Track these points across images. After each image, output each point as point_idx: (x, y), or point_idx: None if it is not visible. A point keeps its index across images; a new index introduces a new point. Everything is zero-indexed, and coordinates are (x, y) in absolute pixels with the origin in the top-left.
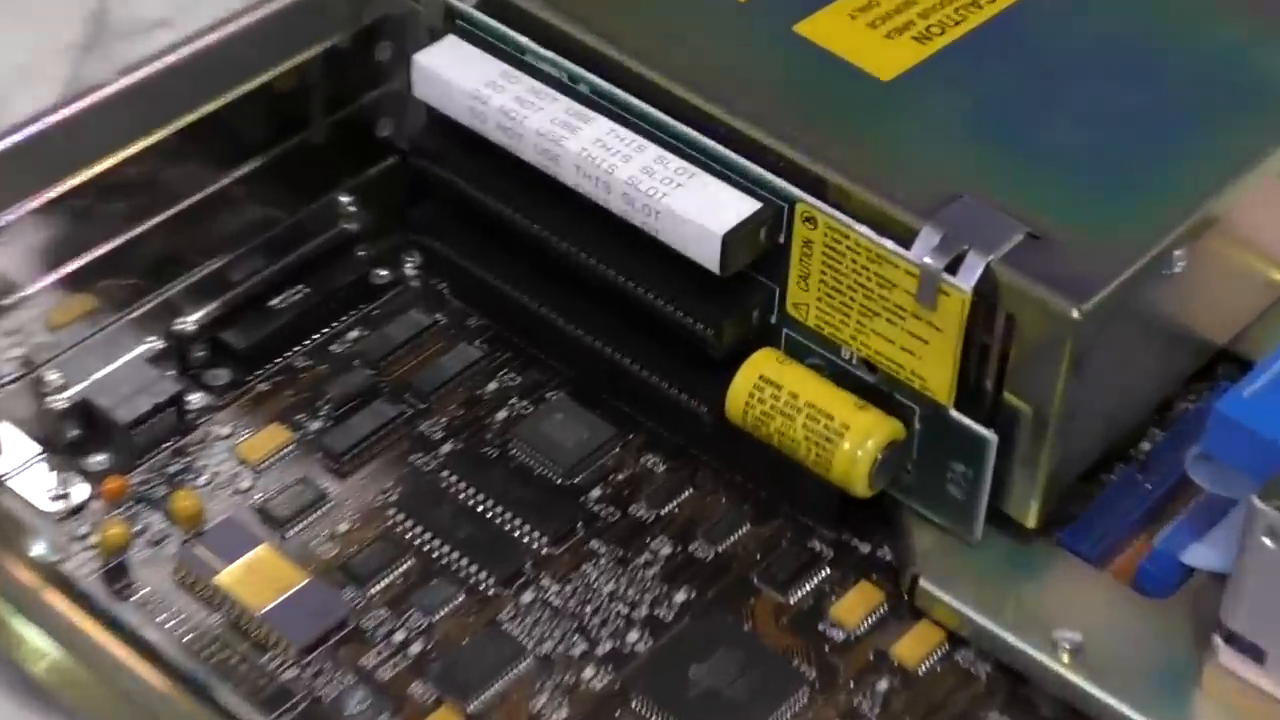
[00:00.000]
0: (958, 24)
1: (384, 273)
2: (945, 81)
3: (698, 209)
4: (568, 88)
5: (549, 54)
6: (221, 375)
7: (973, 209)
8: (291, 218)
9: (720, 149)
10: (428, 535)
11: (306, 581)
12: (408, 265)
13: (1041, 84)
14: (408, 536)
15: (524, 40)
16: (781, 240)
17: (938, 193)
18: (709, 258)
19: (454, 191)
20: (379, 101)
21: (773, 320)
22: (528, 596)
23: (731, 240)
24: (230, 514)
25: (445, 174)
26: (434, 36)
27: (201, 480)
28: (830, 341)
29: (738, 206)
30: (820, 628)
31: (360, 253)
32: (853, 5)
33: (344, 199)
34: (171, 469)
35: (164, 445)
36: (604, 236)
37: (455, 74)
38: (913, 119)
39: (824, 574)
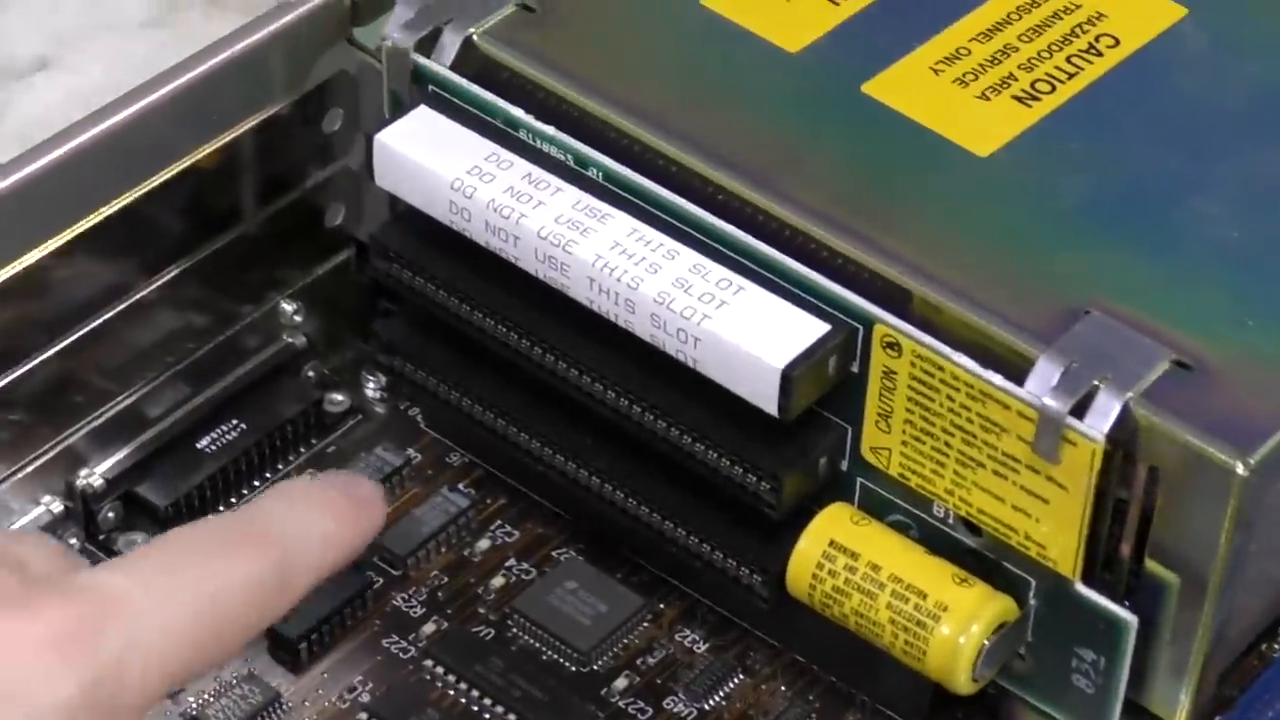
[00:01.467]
0: (1071, 77)
1: (340, 398)
2: (1059, 157)
3: (749, 335)
4: (576, 174)
5: (550, 130)
6: (139, 541)
7: (1103, 329)
8: (222, 333)
9: (775, 255)
10: None
11: None
12: (369, 386)
13: (1183, 157)
14: None
15: (517, 113)
16: (855, 369)
17: (1056, 307)
18: (765, 397)
19: (429, 303)
20: (328, 183)
21: (844, 468)
22: None
23: (794, 376)
24: None
25: (417, 283)
26: (398, 107)
27: None
28: (919, 496)
29: (800, 331)
30: None
31: (309, 373)
32: (934, 56)
33: (287, 306)
34: None
35: None
36: (625, 364)
37: (429, 158)
38: (1019, 207)
39: None
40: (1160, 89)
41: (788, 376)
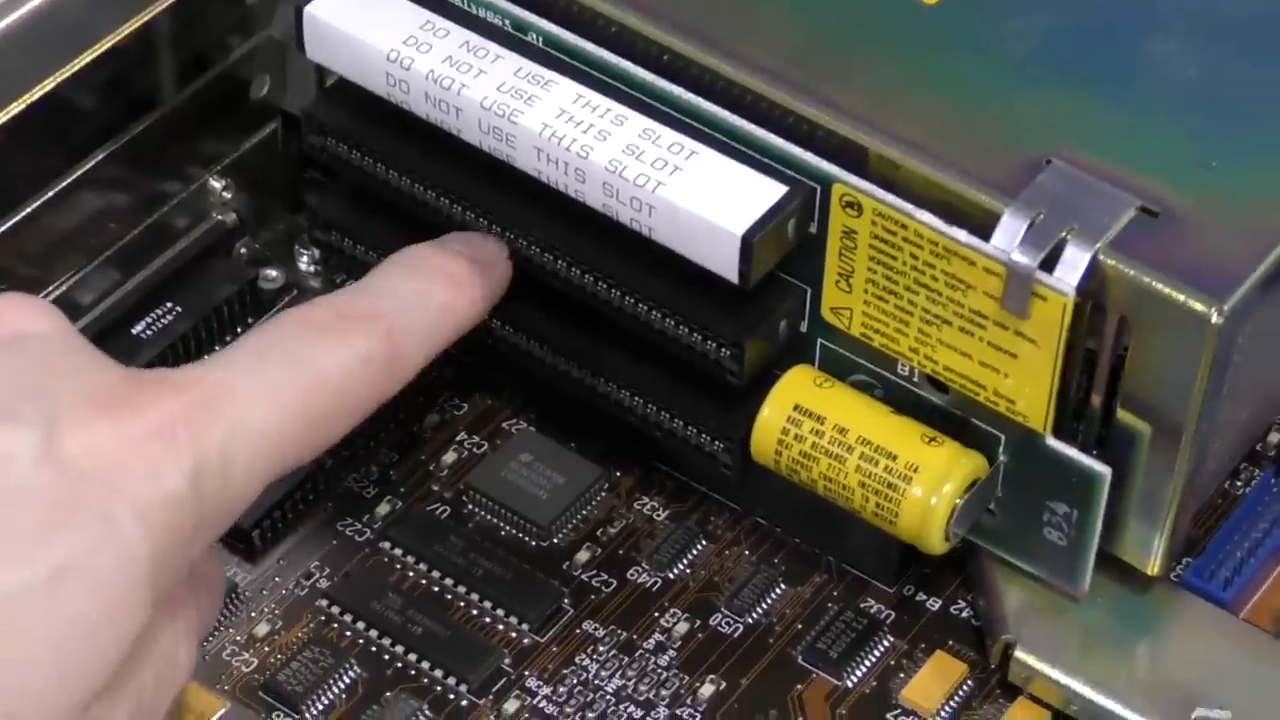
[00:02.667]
0: None
1: (274, 274)
2: (1012, 2)
3: (705, 200)
4: (516, 40)
5: None
6: None
7: (1066, 179)
8: (150, 216)
9: (726, 116)
10: (373, 633)
11: (223, 711)
12: (303, 260)
13: None
14: (347, 636)
15: None
16: (814, 230)
17: (1017, 158)
18: (725, 264)
19: (367, 178)
20: (251, 55)
21: (804, 329)
22: (511, 706)
23: (754, 241)
24: None
25: (354, 157)
26: None
27: None
28: (883, 355)
29: (757, 194)
30: (890, 717)
31: (241, 251)
32: None
33: (215, 183)
34: None
35: None
36: (576, 235)
37: (362, 29)
38: (971, 55)
39: (887, 644)
40: None
41: (748, 242)
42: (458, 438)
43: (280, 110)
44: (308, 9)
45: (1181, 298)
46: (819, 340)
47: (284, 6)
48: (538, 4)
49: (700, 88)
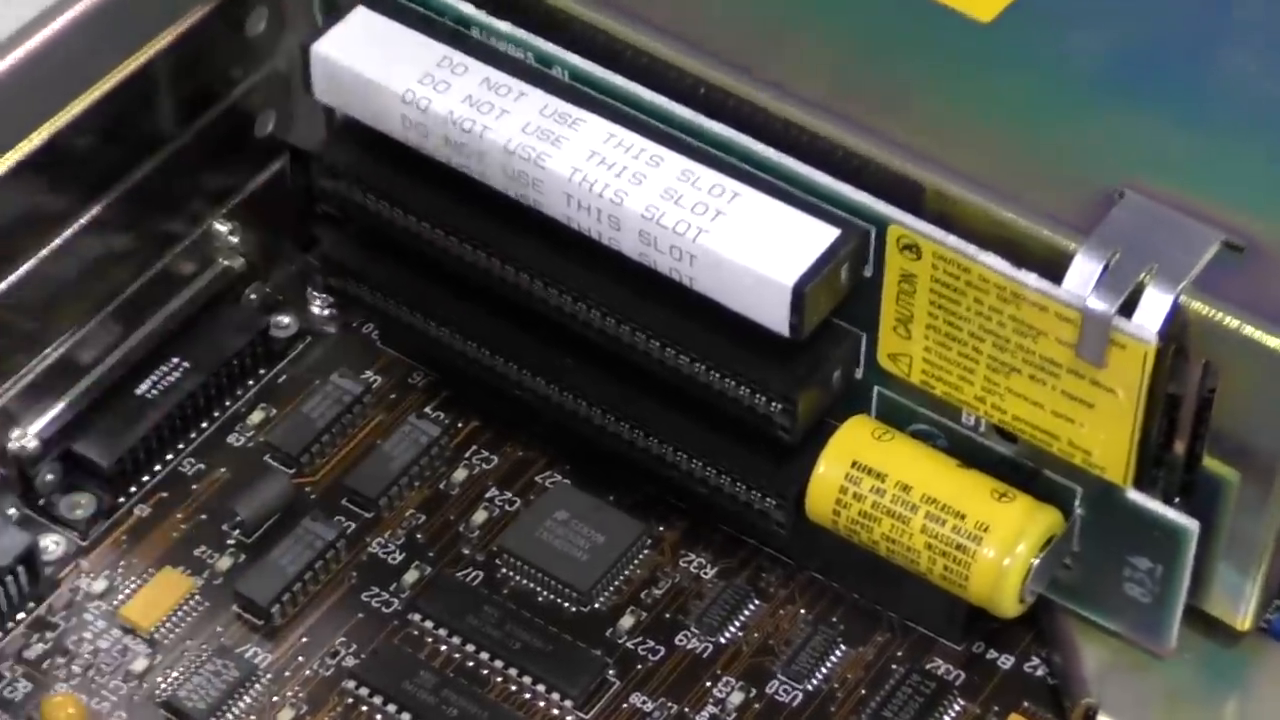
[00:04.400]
0: None
1: (286, 320)
2: (1068, 13)
3: (751, 248)
4: (540, 75)
5: (506, 26)
6: (83, 503)
7: (1142, 213)
8: (154, 264)
9: (770, 154)
10: (405, 716)
11: None
12: (316, 304)
13: (1207, 3)
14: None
15: (467, 8)
16: (868, 273)
17: (1087, 191)
18: (775, 317)
19: (386, 224)
20: (255, 90)
21: (859, 376)
22: None
23: (806, 292)
24: (123, 713)
25: (371, 201)
26: (332, 8)
27: (76, 666)
28: (946, 404)
29: (807, 239)
30: None
31: (251, 297)
32: None
33: (221, 227)
34: (31, 654)
35: (16, 617)
36: (612, 284)
37: (374, 68)
38: (1032, 77)
39: (958, 708)
40: None
41: (800, 293)
42: (488, 494)
43: (288, 145)
44: (315, 47)
45: (1273, 341)
46: (875, 388)
47: (289, 37)
48: (563, 36)
49: (741, 123)
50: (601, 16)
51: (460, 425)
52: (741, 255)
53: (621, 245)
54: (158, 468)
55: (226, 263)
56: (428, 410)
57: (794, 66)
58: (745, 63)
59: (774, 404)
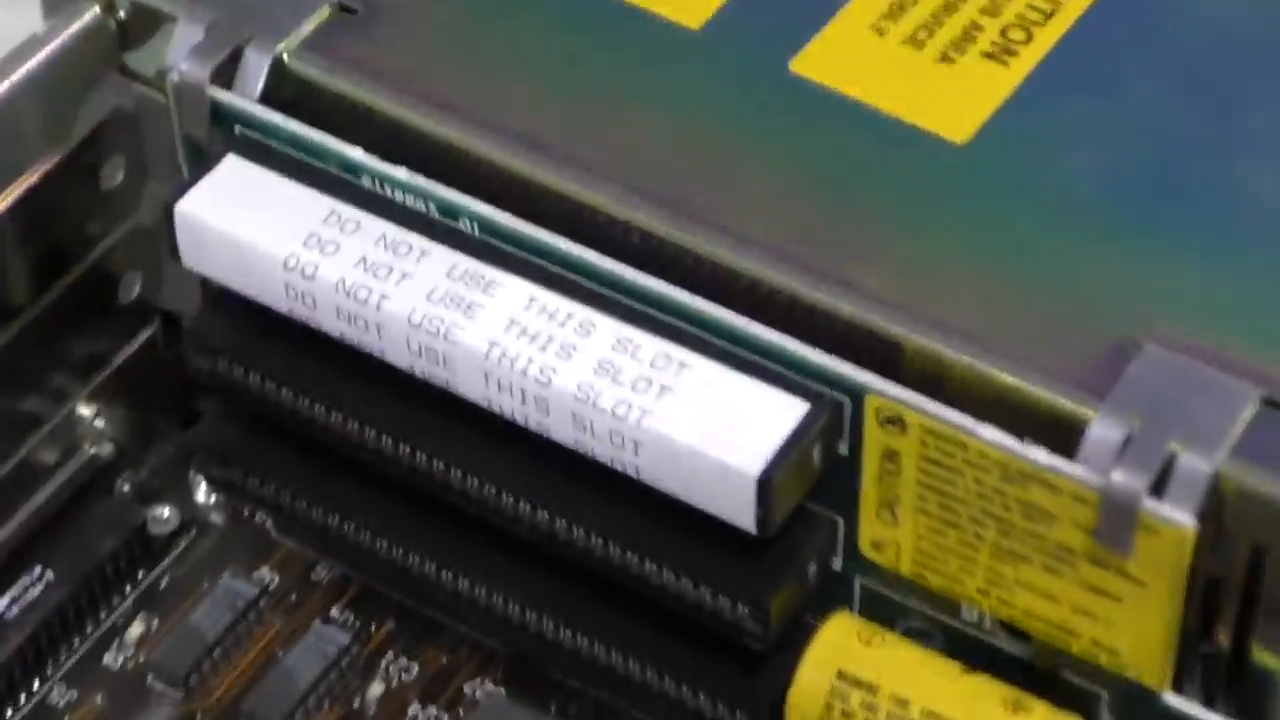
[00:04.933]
0: (1050, 16)
1: (166, 513)
2: (1057, 129)
3: (705, 431)
4: (445, 228)
5: (401, 173)
6: None
7: (1166, 368)
8: (7, 457)
9: (723, 315)
10: None
11: None
12: (200, 491)
13: (1210, 107)
14: None
15: (355, 154)
16: (844, 450)
17: (1098, 341)
18: (737, 511)
19: (271, 406)
20: (116, 250)
21: (837, 567)
22: None
23: (774, 482)
24: None
25: (254, 381)
26: (198, 157)
27: None
28: (943, 598)
29: (771, 416)
30: None
31: (124, 488)
32: (872, 12)
33: (85, 410)
34: None
35: None
36: (544, 473)
37: (249, 229)
38: (1022, 207)
39: None
40: (1167, 19)
41: (766, 484)
42: (410, 712)
43: (158, 310)
44: (179, 206)
45: None
46: (857, 579)
47: (152, 188)
48: (469, 179)
49: (683, 276)
50: (513, 158)
51: (374, 628)
52: (694, 440)
53: (552, 431)
54: (22, 699)
55: (94, 449)
56: (334, 613)
57: (740, 206)
58: (687, 205)
59: (741, 608)
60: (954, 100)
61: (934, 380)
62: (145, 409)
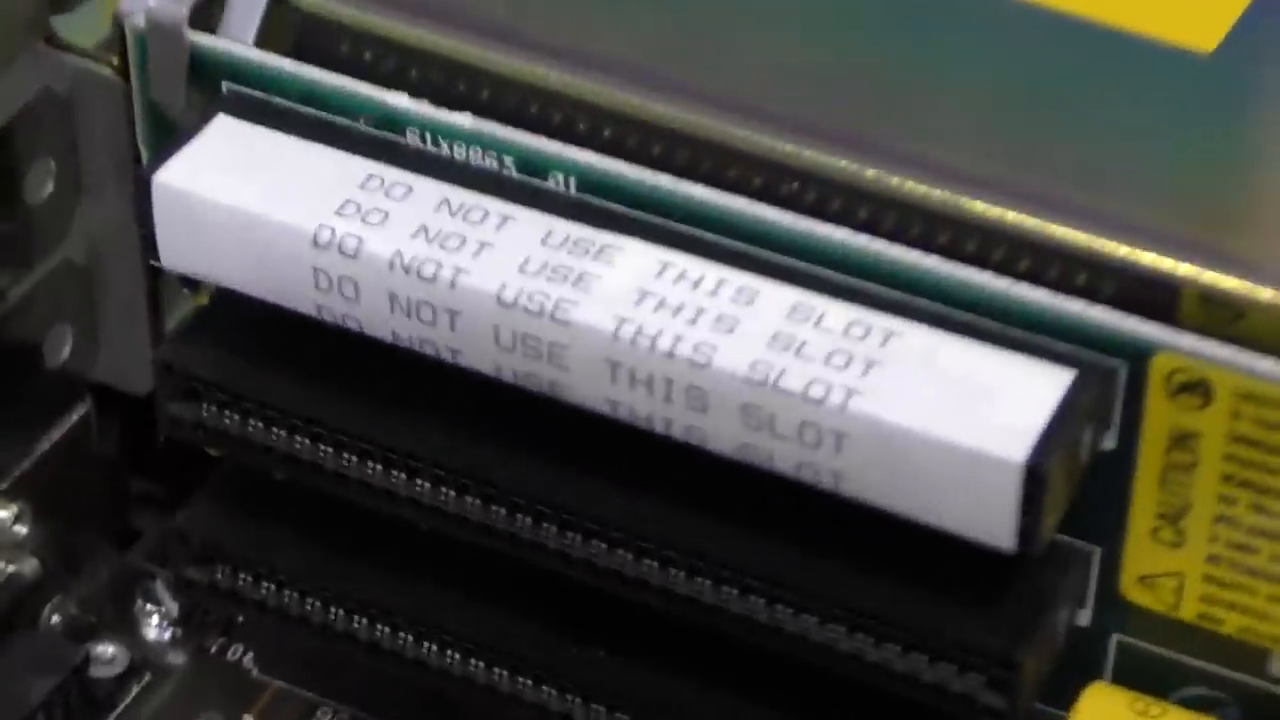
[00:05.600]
0: None
1: (110, 651)
2: None
3: (940, 411)
4: (531, 190)
5: (468, 124)
6: None
7: None
8: None
9: (941, 270)
10: None
11: None
12: (152, 622)
13: None
14: None
15: (401, 103)
16: (1111, 443)
17: None
18: (988, 521)
19: (279, 463)
20: (37, 297)
21: (1085, 621)
22: None
23: (1047, 469)
24: None
25: (256, 431)
26: (163, 134)
27: None
28: (1240, 649)
29: (1025, 389)
30: None
31: (53, 618)
32: None
33: (1, 514)
34: None
35: None
36: (684, 512)
37: (259, 198)
38: None
39: None
40: None
41: (1036, 474)
42: None
43: (90, 385)
44: (158, 179)
45: None
46: (1113, 637)
47: (89, 208)
48: (556, 128)
49: (869, 223)
50: (618, 92)
51: None
52: (927, 424)
53: (709, 437)
54: None
55: (13, 567)
56: None
57: (942, 138)
58: (866, 138)
59: (977, 674)
60: (1189, 5)
61: (1224, 336)
62: (75, 518)
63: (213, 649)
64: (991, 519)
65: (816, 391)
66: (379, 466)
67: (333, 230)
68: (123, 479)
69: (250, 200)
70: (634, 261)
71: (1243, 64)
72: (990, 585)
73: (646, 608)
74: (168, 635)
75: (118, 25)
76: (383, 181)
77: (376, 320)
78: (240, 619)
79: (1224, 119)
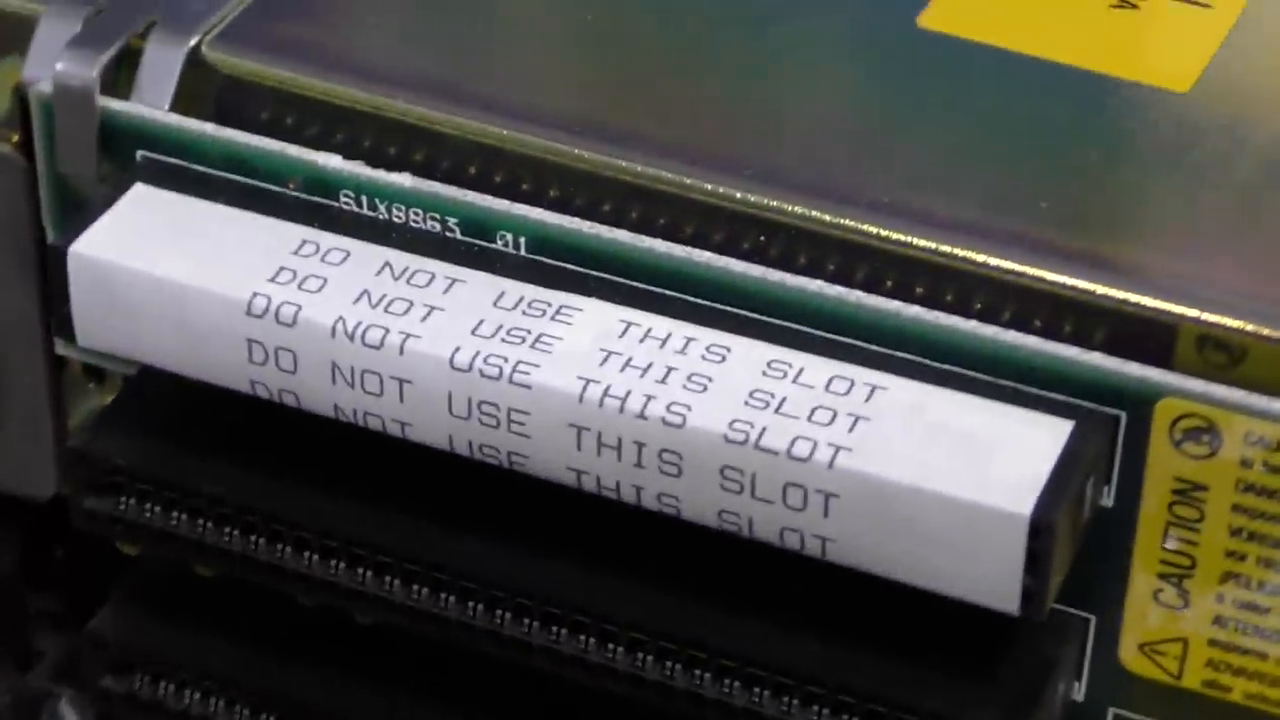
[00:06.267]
0: None
1: None
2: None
3: (936, 465)
4: (476, 253)
5: (408, 184)
6: None
7: None
8: None
9: (929, 320)
10: None
11: None
12: None
13: None
14: None
15: (332, 164)
16: (1108, 501)
17: None
18: (992, 582)
19: (206, 554)
20: None
21: (1078, 696)
22: None
23: (1054, 525)
24: None
25: (179, 524)
26: (70, 209)
27: None
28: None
29: (1023, 440)
30: None
31: None
32: None
33: None
34: None
35: None
36: (651, 595)
37: (188, 268)
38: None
39: None
40: None
41: (1043, 528)
42: None
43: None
44: (74, 249)
45: None
46: (1109, 710)
47: None
48: (501, 186)
49: (840, 274)
50: (565, 145)
51: None
52: (923, 479)
53: (684, 504)
54: None
55: None
56: None
57: (911, 182)
58: (832, 183)
59: None
60: (1155, 47)
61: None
62: None
63: None
64: (995, 579)
65: (801, 449)
66: (316, 556)
67: (268, 298)
68: (21, 597)
69: (176, 269)
70: (595, 321)
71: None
72: (984, 658)
73: (613, 697)
74: None
75: (19, 98)
76: (318, 247)
77: (317, 393)
78: None
79: (1204, 157)
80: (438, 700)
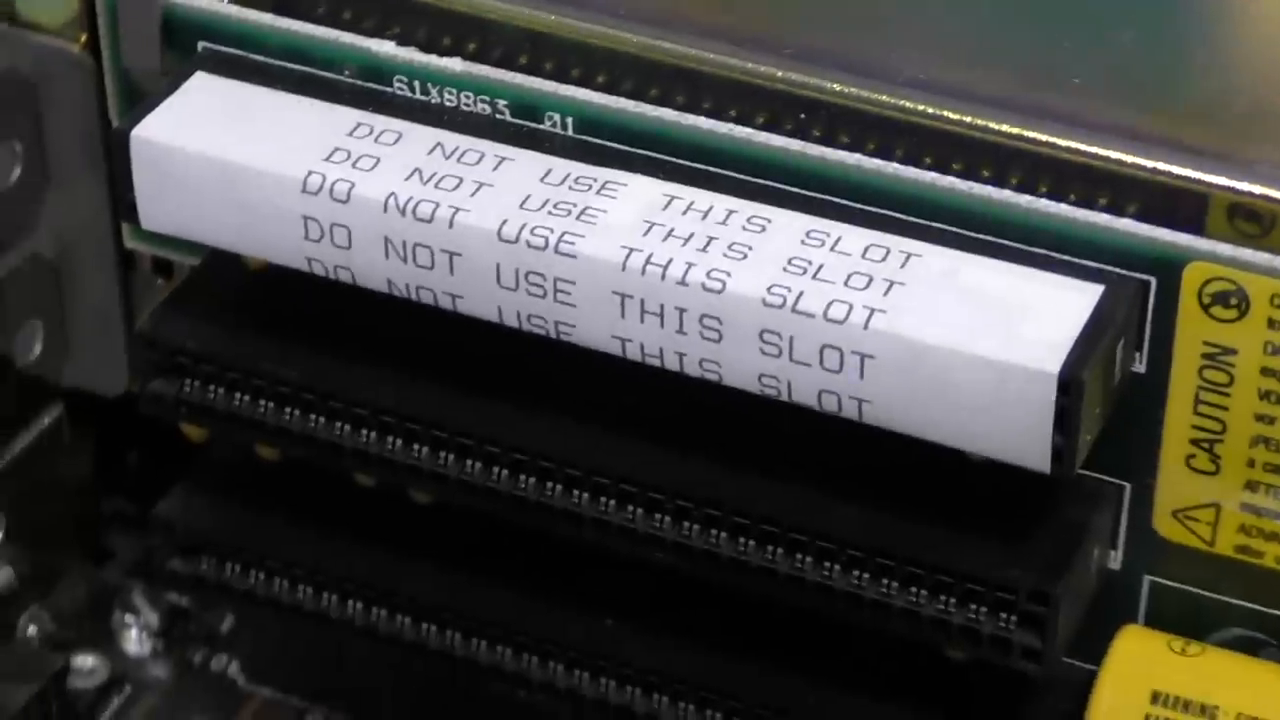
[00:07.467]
0: None
1: (90, 663)
2: None
3: (968, 326)
4: (527, 134)
5: (460, 68)
6: None
7: None
8: None
9: (956, 188)
10: None
11: None
12: (131, 633)
13: None
14: None
15: (386, 50)
16: (1139, 366)
17: None
18: (1022, 437)
19: (274, 435)
20: (5, 289)
21: (1115, 563)
22: None
23: (1083, 382)
24: None
25: (243, 405)
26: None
27: None
28: None
29: (1051, 303)
30: None
31: (30, 629)
32: None
33: None
34: None
35: None
36: (689, 458)
37: (243, 148)
38: None
39: None
40: None
41: (1072, 386)
42: None
43: (63, 390)
44: (137, 133)
45: None
46: (1145, 579)
47: (56, 196)
48: (551, 70)
49: (881, 150)
50: (612, 30)
51: None
52: (956, 340)
53: (725, 367)
54: None
55: None
56: None
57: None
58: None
59: (1008, 614)
60: None
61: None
62: (47, 530)
63: (197, 660)
64: (1025, 436)
65: (838, 312)
66: (374, 433)
67: (323, 176)
68: (95, 497)
69: (235, 151)
70: (639, 195)
71: None
72: (1018, 523)
73: (660, 568)
74: (148, 648)
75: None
76: (372, 129)
77: (370, 269)
78: (225, 630)
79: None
80: (489, 576)
